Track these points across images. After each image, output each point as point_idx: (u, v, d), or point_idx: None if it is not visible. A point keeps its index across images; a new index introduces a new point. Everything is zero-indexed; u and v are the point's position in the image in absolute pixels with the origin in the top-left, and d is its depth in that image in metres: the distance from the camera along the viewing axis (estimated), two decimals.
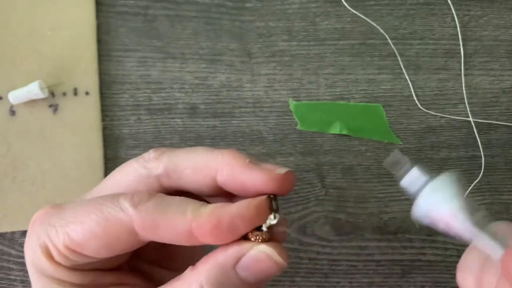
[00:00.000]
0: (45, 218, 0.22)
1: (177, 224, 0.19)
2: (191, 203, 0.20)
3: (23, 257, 0.33)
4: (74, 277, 0.21)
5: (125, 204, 0.20)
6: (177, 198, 0.20)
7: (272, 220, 0.21)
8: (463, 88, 0.36)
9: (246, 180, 0.21)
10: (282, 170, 0.21)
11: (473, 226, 0.19)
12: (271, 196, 0.21)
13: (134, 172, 0.22)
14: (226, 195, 0.22)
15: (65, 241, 0.20)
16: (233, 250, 0.20)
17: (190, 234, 0.19)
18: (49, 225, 0.21)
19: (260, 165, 0.21)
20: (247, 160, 0.21)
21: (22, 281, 0.32)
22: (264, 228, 0.21)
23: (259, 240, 0.20)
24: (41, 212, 0.22)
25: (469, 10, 0.37)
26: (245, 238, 0.21)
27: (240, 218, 0.20)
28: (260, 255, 0.20)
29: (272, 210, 0.21)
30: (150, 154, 0.22)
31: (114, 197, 0.20)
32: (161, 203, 0.20)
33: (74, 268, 0.21)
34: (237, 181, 0.21)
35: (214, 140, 0.35)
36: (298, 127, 0.35)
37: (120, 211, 0.20)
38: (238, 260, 0.20)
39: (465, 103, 0.36)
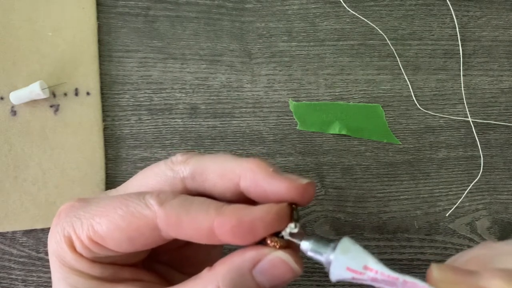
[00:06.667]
0: (70, 210, 0.22)
1: (200, 221, 0.20)
2: (214, 203, 0.21)
3: (24, 257, 0.33)
4: (94, 269, 0.22)
5: (151, 201, 0.21)
6: (200, 198, 0.21)
7: (293, 229, 0.21)
8: (462, 88, 0.37)
9: (268, 187, 0.21)
10: (304, 180, 0.21)
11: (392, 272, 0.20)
12: (293, 206, 0.22)
13: (161, 173, 0.23)
14: (247, 202, 0.22)
15: (89, 233, 0.21)
16: (251, 254, 0.21)
17: (211, 231, 0.20)
18: (75, 217, 0.22)
19: (283, 174, 0.21)
20: (271, 169, 0.21)
21: (23, 281, 0.32)
22: (284, 235, 0.21)
23: (277, 246, 0.21)
24: (67, 205, 0.23)
25: (468, 11, 0.37)
26: (264, 243, 0.21)
27: (260, 220, 0.20)
28: (277, 260, 0.20)
29: (294, 219, 0.21)
30: (178, 157, 0.23)
31: (140, 194, 0.21)
32: (185, 201, 0.21)
33: (95, 260, 0.22)
34: (259, 187, 0.21)
35: (214, 140, 0.35)
36: (298, 127, 0.35)
37: (146, 207, 0.21)
38: (255, 263, 0.20)
39: (464, 103, 0.36)
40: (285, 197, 0.21)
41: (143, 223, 0.20)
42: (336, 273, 0.20)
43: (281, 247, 0.21)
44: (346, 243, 0.21)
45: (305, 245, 0.21)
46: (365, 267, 0.20)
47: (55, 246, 0.22)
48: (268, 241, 0.21)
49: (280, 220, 0.21)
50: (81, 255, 0.22)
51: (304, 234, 0.22)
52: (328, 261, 0.21)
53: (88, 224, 0.21)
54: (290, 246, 0.21)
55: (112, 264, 0.22)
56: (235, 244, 0.21)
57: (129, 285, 0.22)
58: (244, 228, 0.20)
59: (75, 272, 0.22)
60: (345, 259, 0.20)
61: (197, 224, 0.20)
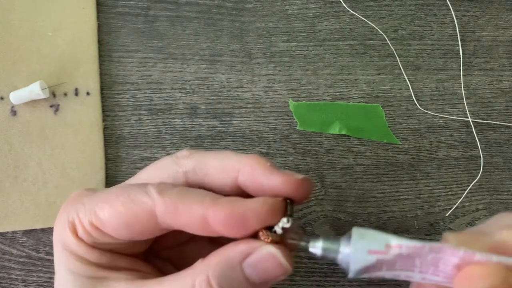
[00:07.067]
0: (77, 198, 0.24)
1: (195, 210, 0.21)
2: (210, 194, 0.21)
3: (24, 257, 0.33)
4: (92, 255, 0.23)
5: (151, 190, 0.22)
6: (198, 189, 0.22)
7: (285, 223, 0.21)
8: (462, 88, 0.37)
9: (265, 181, 0.22)
10: (300, 176, 0.22)
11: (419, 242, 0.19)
12: (288, 201, 0.22)
13: (165, 167, 0.24)
14: (245, 197, 0.22)
15: (91, 218, 0.22)
16: (242, 247, 0.21)
17: (205, 221, 0.21)
18: (80, 203, 0.23)
19: (280, 169, 0.22)
20: (268, 164, 0.22)
21: (23, 281, 0.32)
22: (277, 229, 0.21)
23: (268, 241, 0.21)
24: (75, 194, 0.24)
25: (468, 11, 0.37)
26: (257, 237, 0.21)
27: (253, 212, 0.20)
28: (266, 255, 0.21)
29: (287, 214, 0.21)
30: (183, 152, 0.24)
31: (142, 184, 0.22)
32: (183, 191, 0.22)
33: (94, 246, 0.23)
34: (256, 182, 0.22)
35: (214, 140, 0.35)
36: (298, 127, 0.35)
37: (145, 195, 0.21)
38: (245, 257, 0.21)
39: (464, 103, 0.36)
40: (281, 191, 0.21)
41: (141, 209, 0.21)
42: (358, 259, 0.20)
43: (272, 241, 0.21)
44: (359, 230, 0.20)
45: (316, 245, 0.21)
46: (388, 246, 0.20)
47: (60, 231, 0.23)
48: (260, 235, 0.21)
49: (272, 214, 0.21)
50: (81, 240, 0.22)
51: (303, 234, 0.21)
52: (345, 253, 0.20)
53: (91, 209, 0.22)
54: (282, 242, 0.21)
55: (111, 251, 0.23)
56: (228, 236, 0.21)
57: (124, 273, 0.23)
58: (236, 219, 0.20)
59: (75, 256, 0.22)
60: (365, 242, 0.20)
61: (192, 213, 0.21)
